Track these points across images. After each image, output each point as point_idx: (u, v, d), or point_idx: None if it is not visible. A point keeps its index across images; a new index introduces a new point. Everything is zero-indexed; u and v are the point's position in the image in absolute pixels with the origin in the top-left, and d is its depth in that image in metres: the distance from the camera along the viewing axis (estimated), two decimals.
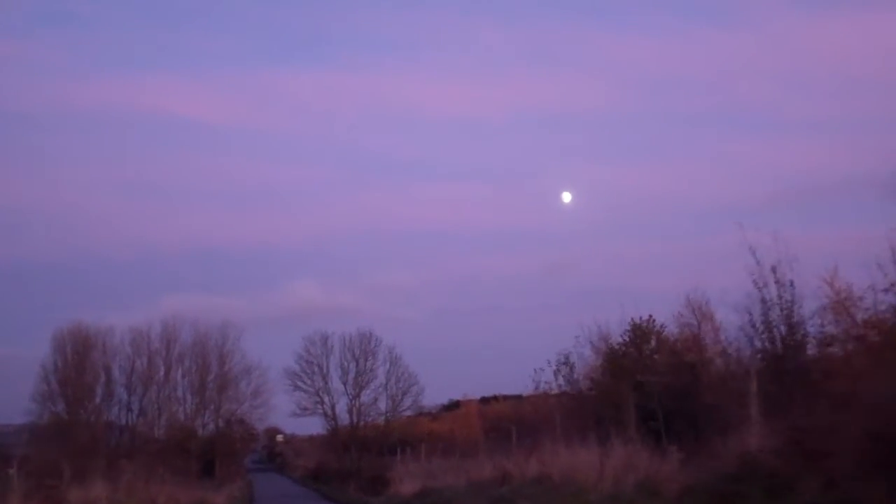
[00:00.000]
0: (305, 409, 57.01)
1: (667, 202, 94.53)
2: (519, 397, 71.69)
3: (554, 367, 27.85)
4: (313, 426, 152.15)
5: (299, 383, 57.37)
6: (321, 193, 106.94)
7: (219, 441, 74.70)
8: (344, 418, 52.92)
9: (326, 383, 55.12)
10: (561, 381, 27.38)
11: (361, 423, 54.35)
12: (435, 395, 78.57)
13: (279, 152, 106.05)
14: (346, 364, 54.70)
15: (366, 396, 54.41)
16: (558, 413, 25.45)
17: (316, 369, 56.26)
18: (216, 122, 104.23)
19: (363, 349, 54.45)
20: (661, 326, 24.94)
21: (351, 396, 54.34)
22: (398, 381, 53.96)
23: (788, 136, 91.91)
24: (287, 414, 55.46)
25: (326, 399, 55.46)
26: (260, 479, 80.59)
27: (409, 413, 53.89)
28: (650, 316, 25.16)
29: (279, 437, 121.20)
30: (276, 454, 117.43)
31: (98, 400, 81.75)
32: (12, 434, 79.06)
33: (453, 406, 69.46)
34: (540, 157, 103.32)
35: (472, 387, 68.82)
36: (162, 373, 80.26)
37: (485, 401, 63.43)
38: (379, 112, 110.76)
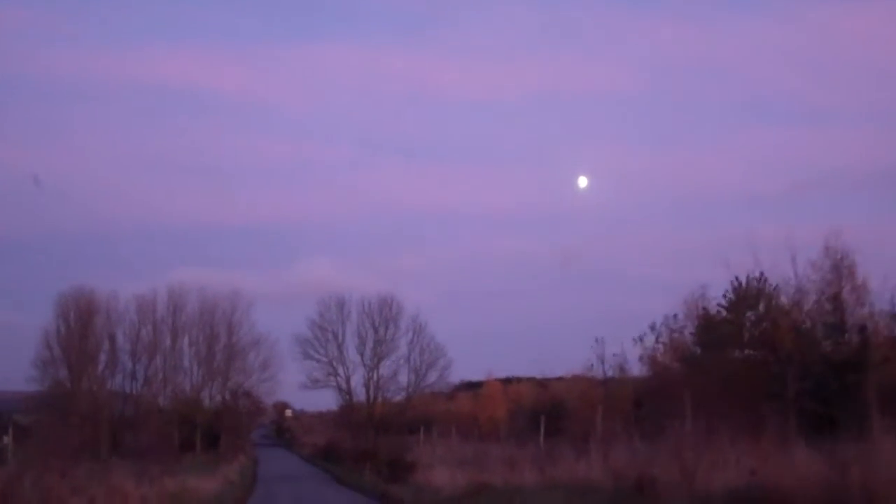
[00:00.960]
0: (317, 381, 50.90)
1: (686, 189, 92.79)
2: (544, 380, 69.09)
3: (648, 339, 23.27)
4: (324, 401, 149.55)
5: (311, 352, 50.93)
6: (336, 172, 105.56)
7: (225, 414, 71.33)
8: (360, 393, 47.37)
9: (341, 353, 49.10)
10: (658, 347, 22.85)
11: (379, 398, 47.94)
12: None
13: (297, 129, 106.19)
14: (364, 332, 48.59)
15: (385, 369, 48.11)
16: (685, 391, 19.81)
17: (330, 337, 49.86)
18: (235, 98, 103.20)
19: (384, 316, 47.98)
20: (775, 288, 20.79)
21: (368, 368, 48.07)
22: (422, 352, 46.99)
23: (813, 125, 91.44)
24: (297, 386, 49.86)
25: (341, 370, 49.31)
26: (266, 455, 77.29)
27: (434, 389, 48.46)
28: (761, 275, 21.23)
29: (288, 413, 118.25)
30: (284, 430, 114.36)
31: (101, 368, 78.87)
32: (14, 401, 76.24)
33: (472, 386, 65.69)
34: (556, 141, 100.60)
35: (485, 369, 64.92)
36: (168, 342, 77.06)
37: (506, 382, 59.84)
38: (395, 91, 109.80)
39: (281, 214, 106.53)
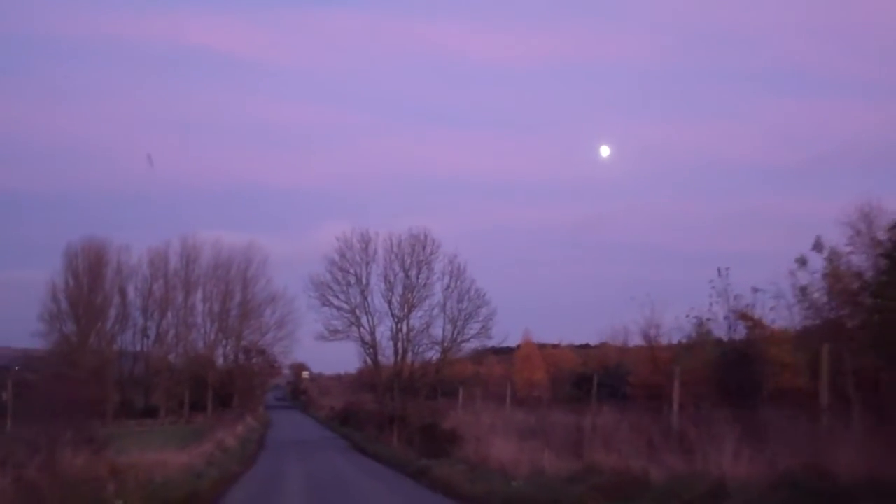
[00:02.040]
0: (336, 331, 41.40)
1: (707, 160, 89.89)
2: (585, 346, 65.59)
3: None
4: (343, 363, 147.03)
5: (330, 297, 41.35)
6: (356, 136, 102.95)
7: (237, 373, 67.39)
8: (386, 348, 40.49)
9: (365, 300, 40.92)
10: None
11: (409, 354, 40.01)
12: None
13: (317, 93, 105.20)
14: (391, 276, 40.68)
15: (416, 319, 40.51)
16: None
17: (352, 280, 41.35)
18: (254, 60, 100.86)
19: (415, 257, 40.31)
20: None
21: (397, 318, 40.22)
22: (461, 300, 39.17)
23: (837, 97, 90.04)
24: (313, 336, 41.64)
25: (365, 320, 40.88)
26: (279, 417, 73.42)
27: (475, 344, 41.68)
28: None
29: (305, 374, 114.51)
30: (300, 391, 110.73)
31: (111, 323, 75.22)
32: (23, 358, 72.75)
33: (498, 352, 61.02)
34: (579, 109, 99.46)
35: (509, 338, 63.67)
36: (180, 297, 73.17)
37: (541, 347, 55.33)
38: (417, 57, 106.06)
39: (301, 178, 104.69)
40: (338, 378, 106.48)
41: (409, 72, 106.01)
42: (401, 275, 40.22)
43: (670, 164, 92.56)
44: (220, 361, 71.27)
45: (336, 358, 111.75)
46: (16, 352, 73.33)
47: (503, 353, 59.24)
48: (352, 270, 40.86)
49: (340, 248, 41.10)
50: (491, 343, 40.04)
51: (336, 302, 40.16)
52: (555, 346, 57.03)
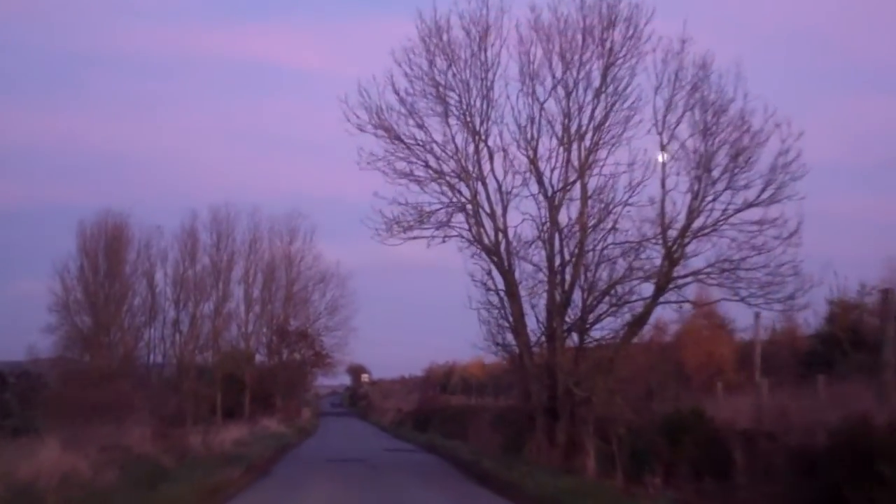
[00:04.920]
0: (411, 221, 20.78)
1: None
2: None
3: None
4: (406, 364, 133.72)
5: (401, 131, 21.11)
6: None
7: (278, 368, 53.02)
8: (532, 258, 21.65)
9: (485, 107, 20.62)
10: None
11: (582, 274, 19.16)
12: None
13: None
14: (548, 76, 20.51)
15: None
16: None
17: (454, 93, 20.89)
18: (314, 70, 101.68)
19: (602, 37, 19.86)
20: None
21: (552, 192, 20.38)
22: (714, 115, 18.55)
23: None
24: (371, 237, 20.41)
25: (481, 192, 20.90)
26: (331, 425, 59.18)
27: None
28: None
29: (364, 378, 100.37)
30: (359, 397, 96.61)
31: (129, 316, 62.31)
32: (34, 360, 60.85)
33: None
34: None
35: None
36: (210, 282, 59.65)
37: None
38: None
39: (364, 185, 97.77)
40: (401, 381, 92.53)
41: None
42: (569, 74, 19.38)
43: None
44: (259, 357, 57.65)
45: (398, 359, 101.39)
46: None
47: None
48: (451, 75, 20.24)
49: (422, 40, 20.10)
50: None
51: (419, 137, 19.92)
52: None
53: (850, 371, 17.36)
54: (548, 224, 20.30)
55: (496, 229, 20.84)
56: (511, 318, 20.55)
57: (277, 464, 24.87)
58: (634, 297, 18.94)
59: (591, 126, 20.06)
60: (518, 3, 20.43)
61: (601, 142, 20.05)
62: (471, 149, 20.89)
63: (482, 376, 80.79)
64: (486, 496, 16.44)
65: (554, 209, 20.27)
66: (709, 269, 18.42)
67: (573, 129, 20.15)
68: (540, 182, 20.46)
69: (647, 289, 18.99)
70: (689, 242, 18.52)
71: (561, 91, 20.12)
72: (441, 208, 20.91)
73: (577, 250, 19.72)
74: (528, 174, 20.49)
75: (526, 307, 20.50)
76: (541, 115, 20.31)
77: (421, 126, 20.81)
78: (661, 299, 18.97)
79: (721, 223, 18.09)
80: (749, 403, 14.76)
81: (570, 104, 20.10)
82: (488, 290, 20.74)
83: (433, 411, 34.49)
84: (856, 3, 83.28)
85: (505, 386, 64.74)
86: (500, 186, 20.88)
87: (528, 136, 20.49)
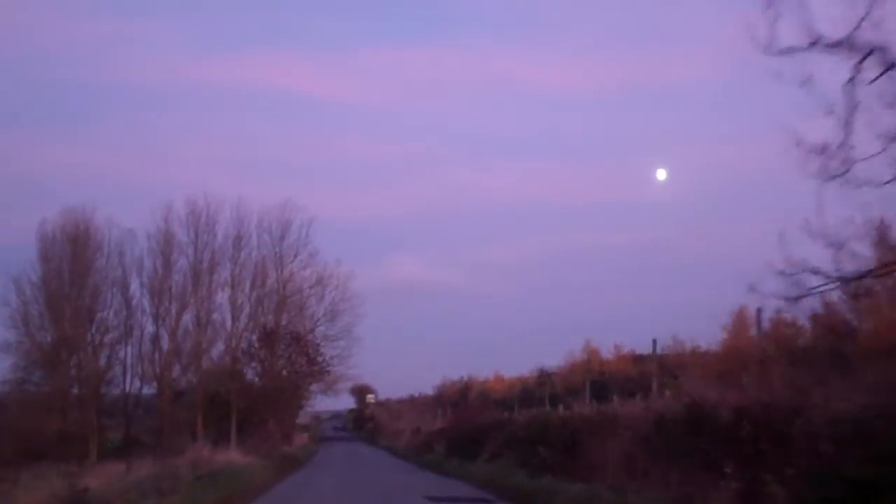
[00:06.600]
0: None
1: (769, 183, 78.48)
2: None
3: None
4: (414, 382, 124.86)
5: None
6: (421, 169, 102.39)
7: (269, 392, 43.78)
8: None
9: None
10: None
11: None
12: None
13: (381, 128, 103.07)
14: None
15: None
16: None
17: None
18: (322, 98, 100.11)
19: None
20: None
21: None
22: None
23: None
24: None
25: None
26: (332, 452, 49.45)
27: None
28: None
29: (370, 398, 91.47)
30: (365, 419, 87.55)
31: (95, 328, 53.61)
32: None
33: None
34: (635, 134, 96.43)
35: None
36: (190, 284, 50.98)
37: None
38: (478, 89, 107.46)
39: (367, 211, 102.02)
40: (410, 400, 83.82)
41: (464, 103, 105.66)
42: None
43: (731, 187, 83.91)
44: (250, 374, 48.83)
45: (402, 379, 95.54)
46: None
47: None
48: None
49: None
50: None
51: None
52: None
53: None
54: None
55: None
56: None
57: None
58: None
59: None
60: None
61: None
62: None
63: (503, 391, 72.46)
64: None
65: None
66: None
67: None
68: None
69: None
70: None
71: None
72: None
73: None
74: None
75: None
76: None
77: None
78: None
79: None
80: None
81: None
82: None
83: (480, 430, 25.50)
84: None
85: (536, 400, 56.02)
86: None
87: None
